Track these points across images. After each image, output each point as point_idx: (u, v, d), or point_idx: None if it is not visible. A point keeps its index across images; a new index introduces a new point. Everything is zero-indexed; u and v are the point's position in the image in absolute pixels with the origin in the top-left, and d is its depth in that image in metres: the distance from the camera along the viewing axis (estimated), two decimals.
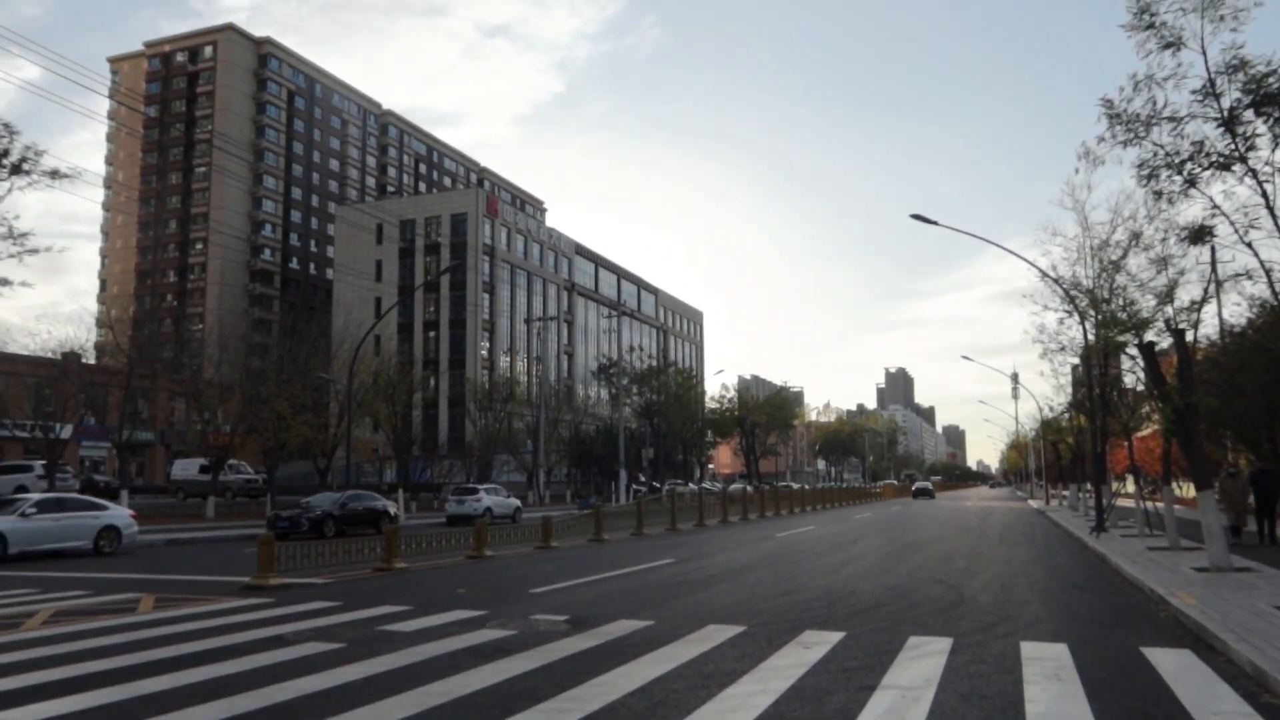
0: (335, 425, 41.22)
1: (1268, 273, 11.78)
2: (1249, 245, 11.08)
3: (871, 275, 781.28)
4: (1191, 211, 12.57)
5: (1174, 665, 8.35)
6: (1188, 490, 55.94)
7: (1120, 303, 17.97)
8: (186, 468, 46.51)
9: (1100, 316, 18.46)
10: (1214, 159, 10.66)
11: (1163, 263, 17.38)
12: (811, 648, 9.21)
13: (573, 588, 14.45)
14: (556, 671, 8.14)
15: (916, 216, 29.18)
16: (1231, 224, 11.08)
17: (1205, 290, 16.79)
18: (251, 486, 45.99)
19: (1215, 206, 11.16)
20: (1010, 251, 27.68)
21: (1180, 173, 11.10)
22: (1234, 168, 10.69)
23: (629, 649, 9.18)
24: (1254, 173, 10.63)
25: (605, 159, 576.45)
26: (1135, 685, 7.61)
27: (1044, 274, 25.68)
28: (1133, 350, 19.93)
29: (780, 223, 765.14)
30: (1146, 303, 17.89)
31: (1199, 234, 11.14)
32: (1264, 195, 10.55)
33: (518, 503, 42.30)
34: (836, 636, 9.88)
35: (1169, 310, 16.89)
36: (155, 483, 56.74)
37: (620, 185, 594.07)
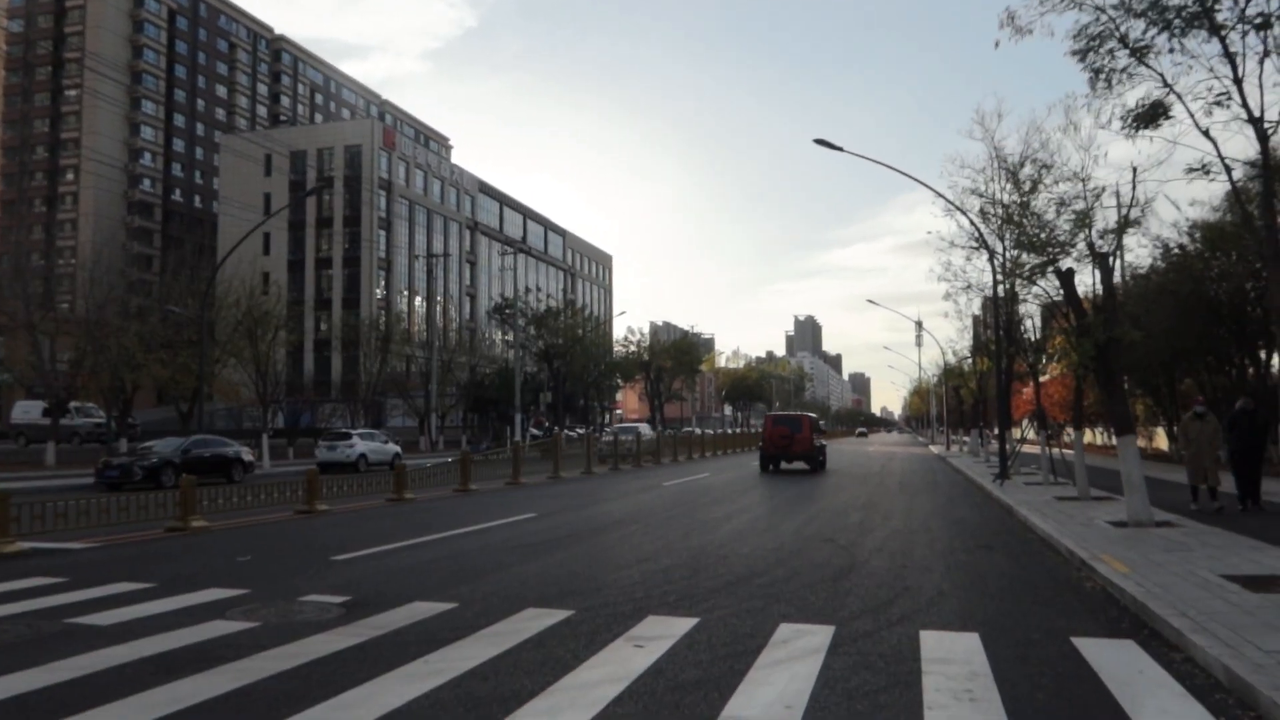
0: (203, 366, 37.51)
1: (1228, 168, 9.72)
2: (1206, 134, 8.99)
3: (783, 225, 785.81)
4: (1132, 99, 10.42)
5: (1120, 668, 6.20)
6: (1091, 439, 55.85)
7: (1036, 225, 15.91)
8: (29, 410, 42.37)
9: (1016, 237, 16.42)
10: (1176, 14, 8.42)
11: (1080, 182, 15.37)
12: (645, 645, 6.84)
13: (387, 553, 11.89)
14: (255, 696, 5.61)
15: (820, 141, 27.10)
16: (1186, 107, 8.96)
17: (1127, 213, 14.78)
18: (102, 431, 42.06)
19: (1167, 85, 9.01)
20: (915, 179, 25.67)
21: (1125, 44, 8.91)
22: (1192, 30, 8.52)
23: (396, 651, 6.70)
24: (1220, 33, 8.47)
25: (518, 98, 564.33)
26: (1076, 707, 5.42)
27: (950, 202, 23.76)
28: (1042, 284, 18.03)
29: (694, 170, 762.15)
30: (1063, 226, 15.89)
31: (1153, 112, 8.98)
32: (1232, 65, 8.44)
33: (396, 449, 39.41)
34: (686, 625, 7.55)
35: (1090, 234, 14.88)
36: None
37: (532, 127, 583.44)
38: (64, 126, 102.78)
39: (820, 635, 7.17)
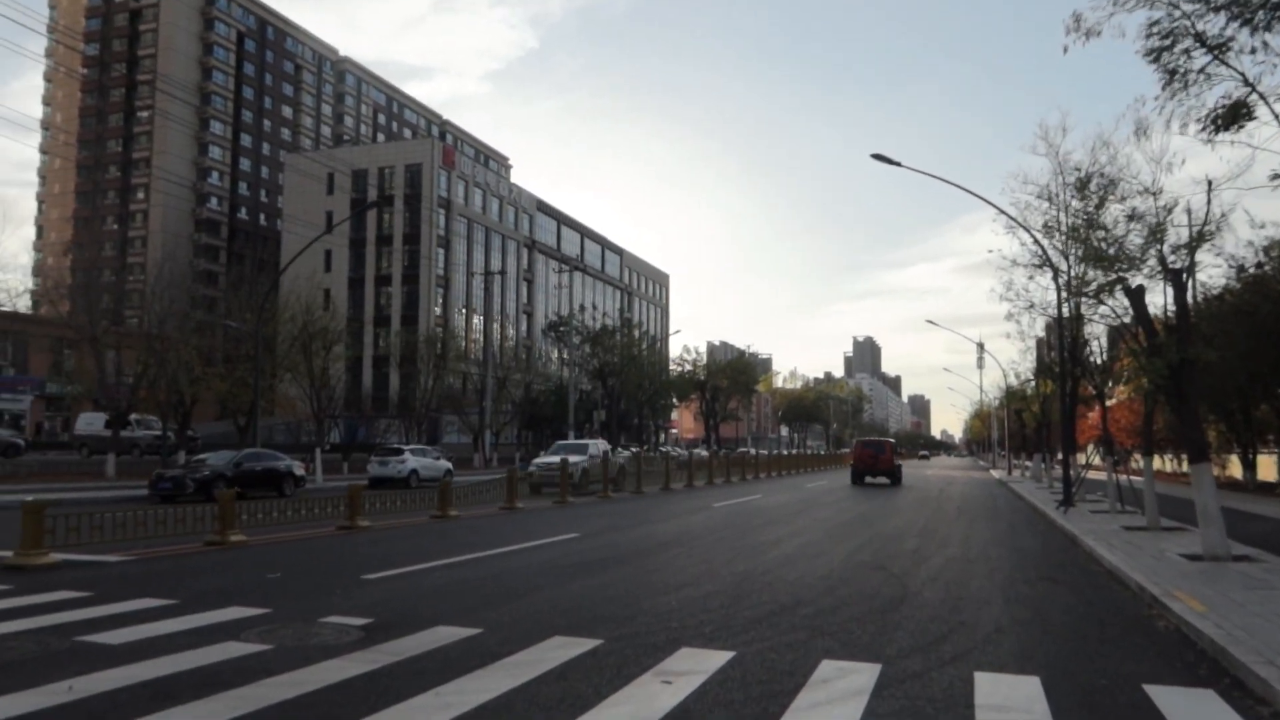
0: (258, 380, 37.74)
1: None
2: None
3: (842, 245, 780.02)
4: (1209, 103, 9.72)
5: None
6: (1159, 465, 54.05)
7: (1103, 237, 15.16)
8: (91, 422, 43.03)
9: (1082, 252, 15.66)
10: (1260, 7, 7.75)
11: (1151, 196, 14.62)
12: (674, 682, 6.36)
13: (420, 573, 11.54)
14: None
15: (878, 156, 26.51)
16: (1271, 108, 8.28)
17: (1202, 227, 14.00)
18: (162, 444, 42.55)
19: (1249, 84, 8.35)
20: (975, 194, 24.92)
21: (1202, 41, 8.27)
22: (1277, 24, 7.86)
23: (409, 680, 6.30)
24: None
25: (577, 118, 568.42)
26: None
27: (1011, 219, 23.00)
28: (1110, 303, 17.22)
29: (754, 190, 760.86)
30: (1134, 241, 15.13)
31: (1234, 112, 8.34)
32: None
33: (448, 465, 39.32)
34: (721, 659, 7.05)
35: (1162, 249, 14.13)
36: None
37: (591, 146, 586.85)
38: (136, 146, 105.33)
39: (865, 675, 6.63)
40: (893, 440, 48.74)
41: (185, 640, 7.46)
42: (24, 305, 57.90)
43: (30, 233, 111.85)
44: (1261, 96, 8.25)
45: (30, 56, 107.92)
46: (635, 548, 14.64)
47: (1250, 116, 8.38)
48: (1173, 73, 8.62)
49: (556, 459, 29.32)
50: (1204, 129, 8.53)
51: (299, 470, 30.30)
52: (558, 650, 7.30)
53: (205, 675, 6.34)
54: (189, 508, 15.53)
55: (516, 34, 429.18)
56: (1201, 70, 8.51)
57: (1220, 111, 8.38)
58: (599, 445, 34.93)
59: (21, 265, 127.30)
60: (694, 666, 6.79)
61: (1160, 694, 6.23)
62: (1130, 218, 14.13)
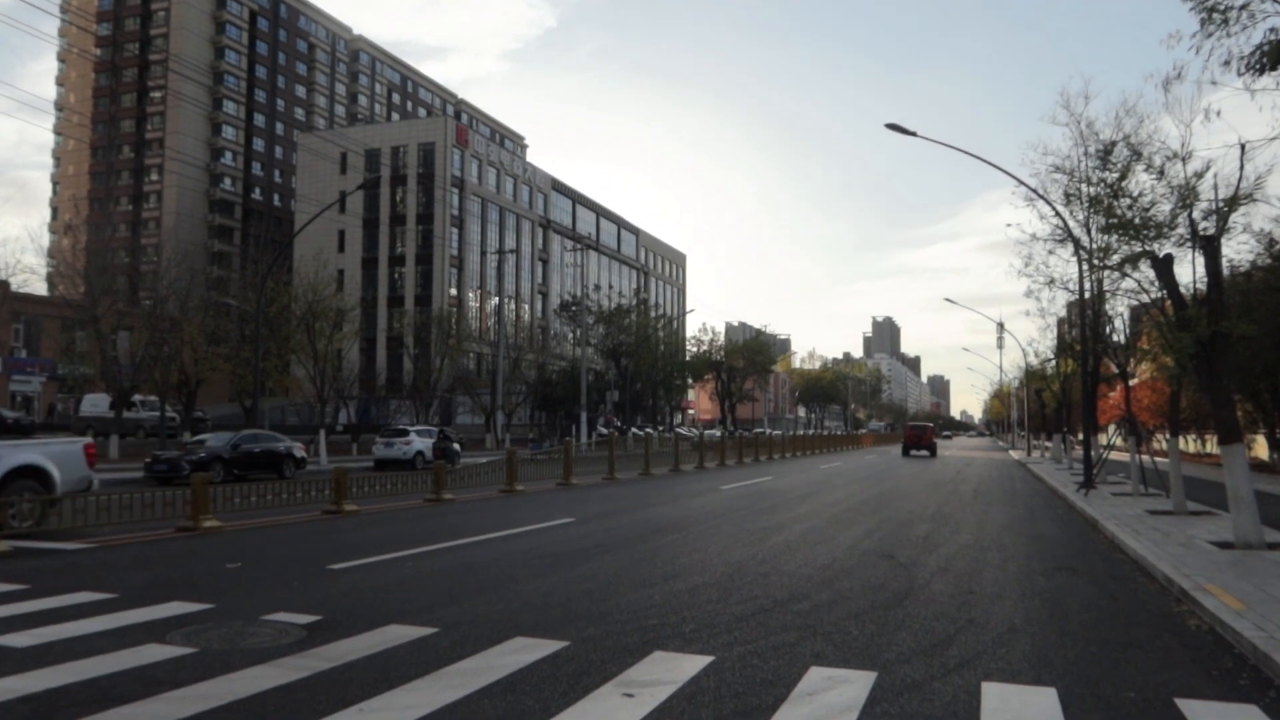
0: (258, 360, 37.07)
1: None
2: None
3: (861, 225, 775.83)
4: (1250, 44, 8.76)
5: None
6: (1182, 446, 52.84)
7: (1129, 205, 14.18)
8: (96, 403, 42.60)
9: (1105, 220, 14.68)
10: None
11: (1180, 161, 13.63)
12: (637, 694, 5.57)
13: (392, 562, 10.79)
14: None
15: (892, 126, 25.48)
16: None
17: (1236, 190, 13.01)
18: (167, 424, 42.12)
19: None
20: (992, 164, 23.83)
21: None
22: None
23: (334, 691, 5.53)
24: None
25: (594, 98, 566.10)
26: None
27: (1032, 189, 21.97)
28: (1135, 276, 16.25)
29: (771, 170, 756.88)
30: (1162, 206, 14.17)
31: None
32: None
33: (456, 446, 38.67)
34: (696, 665, 6.25)
35: (1192, 214, 13.16)
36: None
37: (608, 126, 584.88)
38: (149, 126, 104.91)
39: (857, 685, 5.82)
40: (932, 425, 68.24)
41: (103, 642, 6.73)
42: (40, 287, 57.72)
43: (46, 214, 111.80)
44: None
45: (44, 38, 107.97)
46: (629, 534, 13.86)
47: None
48: (1211, 9, 7.70)
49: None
50: (1248, 69, 7.62)
51: (299, 452, 29.68)
52: (514, 654, 6.52)
53: (104, 686, 5.59)
54: (175, 491, 14.83)
55: (535, 12, 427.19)
56: (1244, 6, 7.59)
57: (1267, 47, 7.46)
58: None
59: (41, 247, 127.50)
60: (664, 675, 6.00)
61: (1196, 710, 5.40)
62: (1160, 174, 13.12)
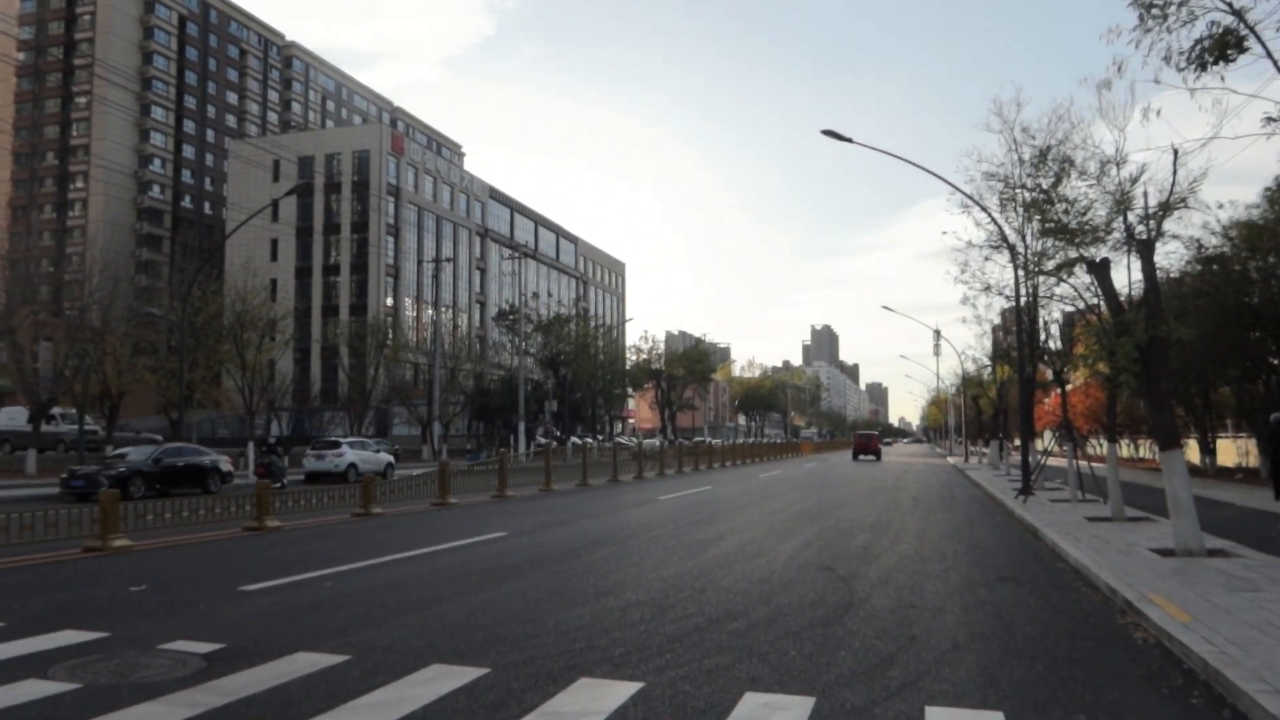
0: (183, 371, 35.86)
1: None
2: None
3: (799, 234, 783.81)
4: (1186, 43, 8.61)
5: None
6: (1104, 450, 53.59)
7: (1064, 209, 14.11)
8: (14, 416, 40.88)
9: (1041, 225, 14.61)
10: None
11: (1114, 165, 13.61)
12: None
13: (308, 582, 10.21)
14: None
15: (828, 133, 25.43)
16: (1264, 43, 7.17)
17: (1169, 196, 12.98)
18: (89, 438, 40.63)
19: (1235, 12, 7.20)
20: (927, 170, 23.84)
21: None
22: None
23: None
24: None
25: (533, 106, 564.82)
26: None
27: (967, 196, 22.02)
28: (1071, 282, 16.24)
29: (711, 178, 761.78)
30: (1097, 211, 14.14)
31: (1223, 43, 7.21)
32: None
33: (389, 458, 37.82)
34: (623, 693, 5.83)
35: (1129, 218, 13.12)
36: None
37: (547, 134, 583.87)
38: (74, 133, 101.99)
39: (794, 712, 5.45)
40: (876, 433, 77.73)
41: None
42: None
43: None
44: (1251, 29, 7.16)
45: None
46: (562, 548, 13.40)
47: (1241, 48, 7.29)
48: (1149, 5, 7.51)
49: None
50: (1189, 64, 7.44)
51: (225, 466, 28.74)
52: (430, 684, 6.04)
53: None
54: (82, 509, 14.07)
55: (474, 20, 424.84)
56: (1182, 4, 7.41)
57: (1207, 42, 7.28)
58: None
59: None
60: (588, 706, 5.57)
61: None
62: (1096, 180, 13.05)
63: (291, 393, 62.63)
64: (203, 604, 8.88)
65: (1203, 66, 7.45)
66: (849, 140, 25.10)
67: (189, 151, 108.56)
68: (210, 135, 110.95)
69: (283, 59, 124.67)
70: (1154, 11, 7.50)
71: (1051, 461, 34.05)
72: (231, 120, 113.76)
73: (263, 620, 8.16)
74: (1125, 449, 54.40)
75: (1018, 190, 17.61)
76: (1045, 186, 15.76)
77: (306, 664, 6.57)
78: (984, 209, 21.94)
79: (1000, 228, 21.88)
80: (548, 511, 19.93)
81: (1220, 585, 9.27)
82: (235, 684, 6.04)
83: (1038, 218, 15.53)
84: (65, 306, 67.39)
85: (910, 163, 25.13)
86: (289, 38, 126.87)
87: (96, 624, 7.90)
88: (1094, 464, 22.93)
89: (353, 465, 33.78)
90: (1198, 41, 7.45)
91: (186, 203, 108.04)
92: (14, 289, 38.05)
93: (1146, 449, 55.62)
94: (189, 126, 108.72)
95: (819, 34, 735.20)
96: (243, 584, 10.02)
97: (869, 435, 68.98)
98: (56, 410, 38.73)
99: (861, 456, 61.96)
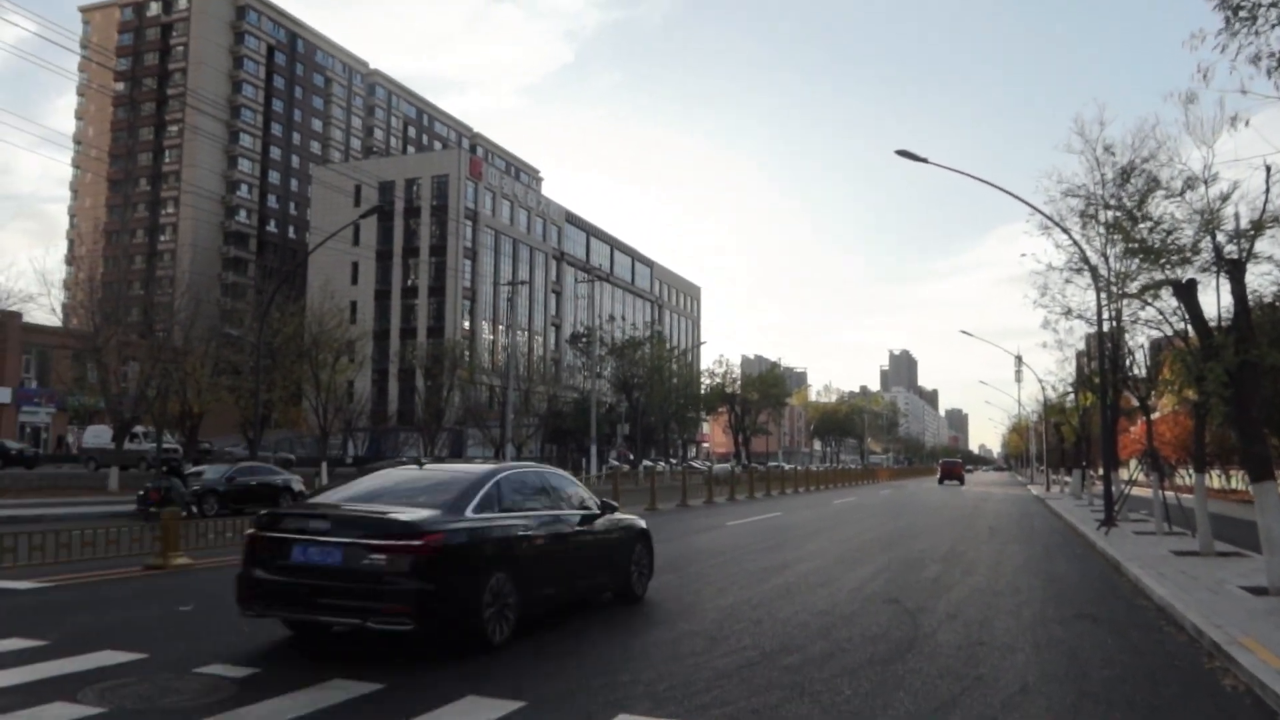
0: (258, 390, 36.49)
1: None
2: None
3: (878, 258, 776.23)
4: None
5: None
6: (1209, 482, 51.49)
7: (1149, 227, 13.47)
8: (99, 435, 42.17)
9: (1124, 244, 13.97)
10: None
11: (1202, 184, 12.94)
12: None
13: None
14: None
15: (902, 153, 24.84)
16: None
17: (1262, 213, 12.28)
18: (169, 457, 41.60)
19: None
20: (1004, 190, 23.14)
21: None
22: None
23: None
24: None
25: (610, 132, 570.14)
26: None
27: (1046, 216, 21.27)
28: (1156, 305, 15.52)
29: (788, 202, 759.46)
30: (1185, 230, 13.45)
31: None
32: None
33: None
34: None
35: (1218, 237, 12.44)
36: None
37: (624, 160, 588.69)
38: (165, 160, 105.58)
39: None
40: (960, 460, 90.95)
41: (8, 700, 6.04)
42: (53, 319, 57.55)
43: (63, 246, 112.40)
44: None
45: (65, 74, 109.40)
46: None
47: None
48: (1236, 7, 7.04)
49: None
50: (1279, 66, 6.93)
51: (297, 485, 29.06)
52: (462, 717, 5.80)
53: None
54: (144, 526, 14.25)
55: (553, 48, 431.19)
56: (1274, 4, 6.91)
57: None
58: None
59: (50, 279, 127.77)
60: None
61: None
62: (1181, 196, 12.40)
63: (369, 413, 63.54)
64: (247, 626, 8.78)
65: None
66: (924, 160, 24.56)
67: (274, 177, 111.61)
68: (295, 161, 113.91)
69: (366, 86, 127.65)
70: (1241, 13, 7.04)
71: (1136, 492, 32.75)
72: (316, 147, 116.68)
73: (303, 644, 8.01)
74: (1215, 480, 52.19)
75: (1100, 209, 16.91)
76: (1129, 204, 15.13)
77: (340, 692, 6.38)
78: (1064, 230, 21.22)
79: (1081, 249, 21.12)
80: None
81: None
82: (263, 712, 5.87)
83: (1120, 237, 14.86)
84: (154, 328, 69.46)
85: (986, 182, 24.46)
86: (372, 66, 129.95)
87: (138, 644, 7.83)
88: (1181, 495, 21.92)
89: None
90: None
91: (271, 227, 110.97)
92: (106, 311, 39.28)
93: (1238, 480, 53.35)
94: (275, 153, 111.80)
95: (894, 57, 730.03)
96: None
97: (954, 462, 79.02)
98: (139, 429, 39.73)
99: (947, 481, 69.57)
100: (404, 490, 8.50)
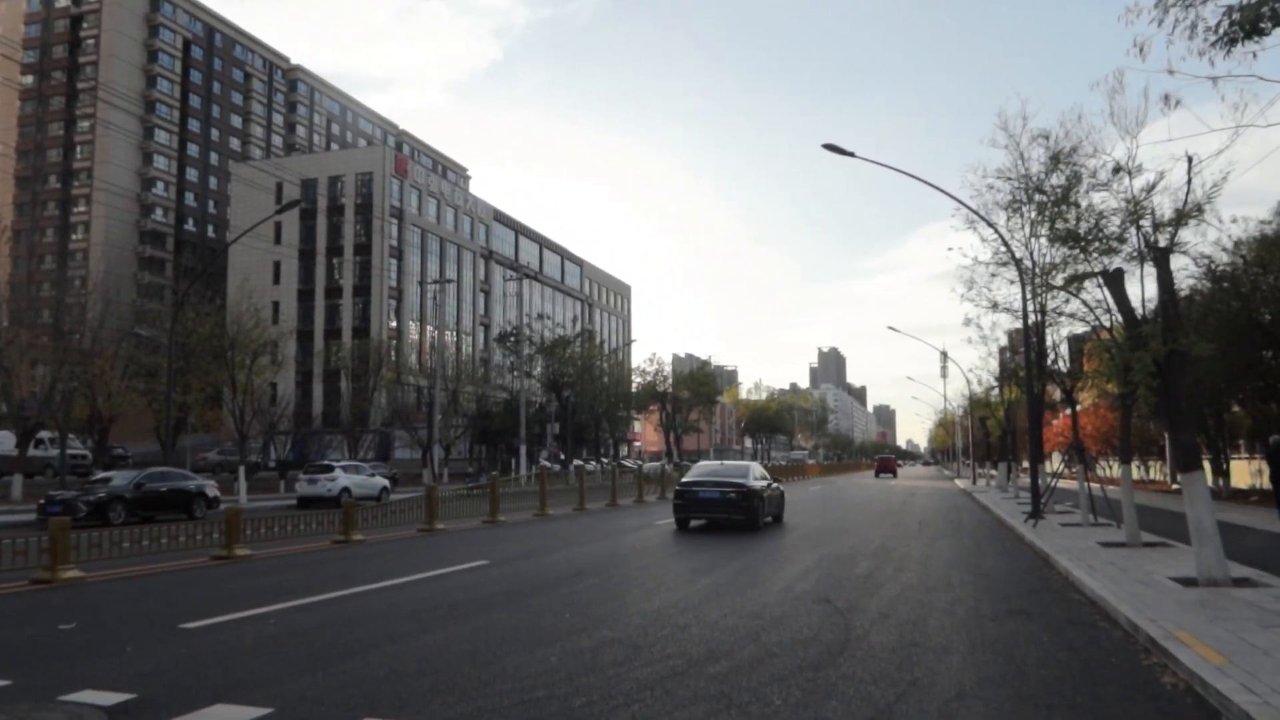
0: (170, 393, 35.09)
1: None
2: None
3: (808, 258, 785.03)
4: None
5: None
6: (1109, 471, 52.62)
7: (1075, 216, 13.35)
8: (2, 441, 40.30)
9: (1053, 230, 13.83)
10: None
11: (1126, 175, 12.88)
12: None
13: (254, 619, 9.40)
14: None
15: (829, 146, 24.78)
16: None
17: (1184, 205, 12.22)
18: (77, 463, 39.93)
19: None
20: (929, 183, 23.16)
21: None
22: None
23: None
24: None
25: (539, 130, 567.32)
26: None
27: (972, 210, 21.33)
28: (1082, 296, 15.47)
29: (718, 201, 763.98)
30: (1111, 220, 13.36)
31: (1256, 12, 6.43)
32: None
33: (384, 483, 37.09)
34: None
35: (1144, 225, 12.34)
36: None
37: (553, 159, 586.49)
38: (77, 156, 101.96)
39: None
40: (894, 455, 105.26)
41: None
42: None
43: None
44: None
45: None
46: (544, 579, 12.58)
47: (1277, 20, 6.54)
48: None
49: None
50: (1218, 40, 6.68)
51: (211, 491, 28.02)
52: None
53: None
54: (29, 537, 13.29)
55: (481, 45, 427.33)
56: None
57: (1238, 14, 6.50)
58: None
59: None
60: None
61: None
62: (1106, 186, 12.30)
63: (291, 416, 61.92)
64: (131, 645, 8.09)
65: (1232, 42, 6.72)
66: (851, 154, 24.48)
67: (192, 175, 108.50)
68: (214, 158, 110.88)
69: (287, 82, 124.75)
70: None
71: (1062, 484, 33.15)
72: (235, 144, 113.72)
73: (191, 664, 7.36)
74: (1135, 471, 53.38)
75: (1029, 194, 16.85)
76: (1057, 192, 15.04)
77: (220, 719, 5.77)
78: (990, 224, 21.26)
79: (1005, 242, 21.17)
80: (537, 538, 19.11)
81: (1253, 620, 8.43)
82: None
83: (1046, 225, 14.76)
84: (63, 330, 66.99)
85: (912, 175, 24.46)
86: (294, 61, 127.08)
87: (5, 670, 7.10)
88: (1105, 486, 22.07)
89: (346, 490, 32.95)
90: (1228, 10, 6.68)
91: (189, 226, 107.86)
92: (12, 312, 37.53)
93: (1157, 470, 54.63)
94: (192, 150, 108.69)
95: (825, 57, 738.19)
96: (184, 621, 9.21)
97: (889, 458, 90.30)
98: (45, 434, 38.07)
99: (882, 474, 78.29)
100: (725, 470, 22.18)
